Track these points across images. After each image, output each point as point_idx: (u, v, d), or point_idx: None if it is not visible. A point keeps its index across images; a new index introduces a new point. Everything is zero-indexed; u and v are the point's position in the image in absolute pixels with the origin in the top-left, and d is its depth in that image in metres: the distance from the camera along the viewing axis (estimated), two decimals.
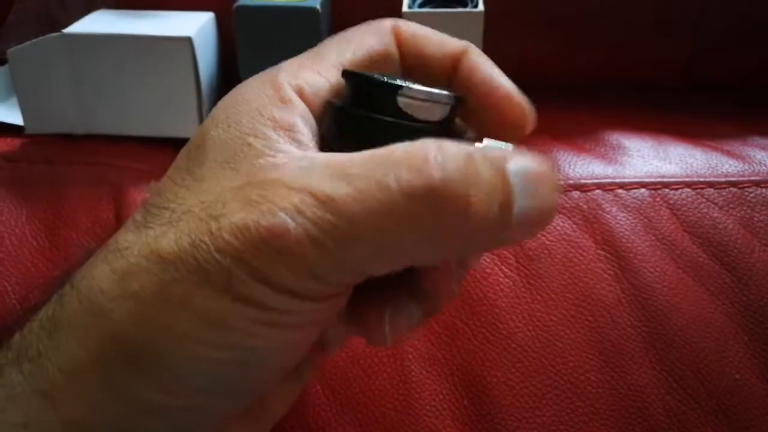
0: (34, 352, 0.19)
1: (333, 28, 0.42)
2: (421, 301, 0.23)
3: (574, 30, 0.46)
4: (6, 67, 0.43)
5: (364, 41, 0.23)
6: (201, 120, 0.38)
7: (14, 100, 0.42)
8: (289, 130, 0.20)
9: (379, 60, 0.23)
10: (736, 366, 0.32)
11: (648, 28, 0.45)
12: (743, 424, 0.31)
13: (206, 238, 0.18)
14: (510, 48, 0.45)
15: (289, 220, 0.18)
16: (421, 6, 0.39)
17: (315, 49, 0.23)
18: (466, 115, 0.23)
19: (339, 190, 0.18)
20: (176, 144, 0.28)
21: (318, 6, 0.39)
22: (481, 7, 0.38)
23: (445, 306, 0.33)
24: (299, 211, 0.18)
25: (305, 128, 0.20)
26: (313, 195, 0.18)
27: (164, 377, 0.19)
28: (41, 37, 0.38)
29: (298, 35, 0.39)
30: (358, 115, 0.21)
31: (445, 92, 0.21)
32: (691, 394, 0.31)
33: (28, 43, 0.38)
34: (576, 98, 0.47)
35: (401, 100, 0.21)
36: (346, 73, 0.22)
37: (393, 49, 0.23)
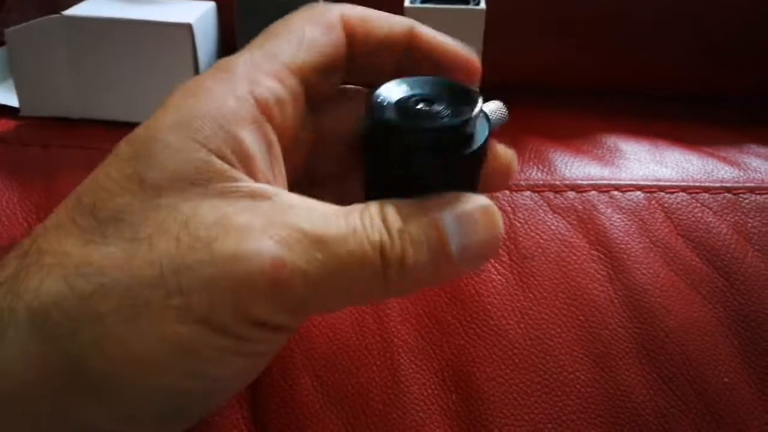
0: None
1: None
2: None
3: (574, 36, 0.46)
4: (4, 48, 0.43)
5: (314, 39, 0.22)
6: None
7: (11, 81, 0.42)
8: (249, 160, 0.20)
9: (331, 58, 0.22)
10: (725, 369, 0.32)
11: (650, 37, 0.46)
12: (731, 428, 0.30)
13: (194, 265, 0.17)
14: (511, 53, 0.45)
15: (286, 254, 0.18)
16: (423, 2, 0.39)
17: (264, 46, 0.22)
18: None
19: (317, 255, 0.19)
20: None
21: None
22: (482, 5, 0.38)
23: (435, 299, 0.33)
24: (290, 246, 0.18)
25: (259, 153, 0.20)
26: (303, 233, 0.18)
27: (124, 407, 0.18)
28: (40, 18, 0.38)
29: None
30: (416, 160, 0.21)
31: (479, 108, 0.21)
32: (680, 395, 0.31)
33: (26, 23, 0.38)
34: (574, 102, 0.47)
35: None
36: (390, 107, 0.21)
37: (341, 42, 0.22)
